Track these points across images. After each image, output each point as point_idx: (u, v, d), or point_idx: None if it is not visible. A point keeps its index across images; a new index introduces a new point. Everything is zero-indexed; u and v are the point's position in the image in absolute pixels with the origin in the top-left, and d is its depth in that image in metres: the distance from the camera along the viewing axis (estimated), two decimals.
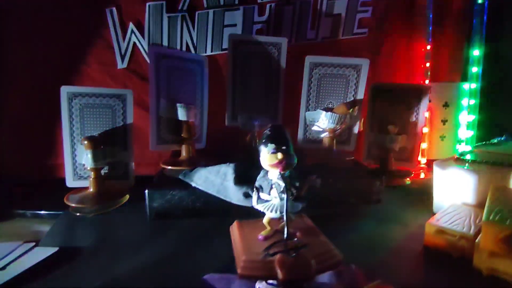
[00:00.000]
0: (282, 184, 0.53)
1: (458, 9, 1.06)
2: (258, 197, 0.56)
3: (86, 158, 0.75)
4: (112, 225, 0.69)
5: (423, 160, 1.11)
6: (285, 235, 0.50)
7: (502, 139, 0.93)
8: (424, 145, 1.11)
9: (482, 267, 0.51)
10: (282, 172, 0.53)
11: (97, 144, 0.76)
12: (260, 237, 0.55)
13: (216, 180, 0.67)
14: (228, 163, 0.68)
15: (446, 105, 1.11)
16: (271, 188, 0.55)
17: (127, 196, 0.82)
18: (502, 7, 1.04)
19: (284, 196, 0.52)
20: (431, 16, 1.06)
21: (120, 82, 0.94)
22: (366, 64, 0.86)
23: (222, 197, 0.65)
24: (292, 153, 0.54)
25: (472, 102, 1.09)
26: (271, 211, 0.54)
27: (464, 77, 1.10)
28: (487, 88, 1.08)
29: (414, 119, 0.97)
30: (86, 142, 0.75)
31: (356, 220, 0.70)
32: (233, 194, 0.64)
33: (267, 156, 0.53)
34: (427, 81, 1.10)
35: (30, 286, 0.49)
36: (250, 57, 0.89)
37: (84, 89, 0.79)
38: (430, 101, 1.11)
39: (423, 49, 1.09)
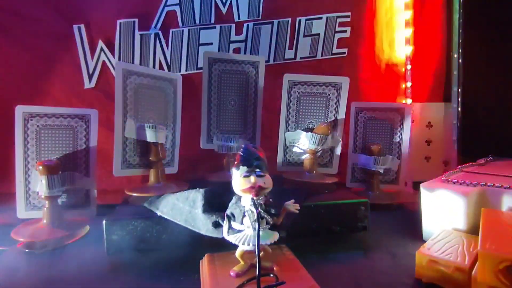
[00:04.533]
0: (255, 212, 0.47)
1: (437, 30, 1.06)
2: (230, 227, 0.50)
3: (40, 185, 0.68)
4: (63, 263, 0.60)
5: (409, 182, 1.07)
6: (257, 272, 0.43)
7: (488, 159, 0.90)
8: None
9: None
10: (255, 198, 0.48)
11: (54, 169, 0.68)
12: (232, 273, 0.49)
13: (184, 208, 0.60)
14: (198, 189, 0.62)
15: (429, 125, 1.09)
16: (244, 216, 0.49)
17: (88, 228, 0.73)
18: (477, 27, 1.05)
19: (257, 225, 0.46)
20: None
21: (87, 102, 0.88)
22: (346, 82, 0.83)
23: (190, 227, 0.58)
24: (267, 176, 0.48)
25: (456, 122, 1.07)
26: (244, 243, 0.48)
27: (447, 97, 1.08)
28: (471, 108, 1.07)
29: (398, 139, 0.93)
30: (41, 167, 0.67)
31: (340, 250, 0.64)
32: (202, 224, 0.57)
33: (239, 180, 0.48)
34: (409, 101, 1.08)
35: None
36: (227, 76, 0.86)
37: (42, 109, 0.72)
38: (413, 121, 1.09)
39: (403, 69, 1.08)
